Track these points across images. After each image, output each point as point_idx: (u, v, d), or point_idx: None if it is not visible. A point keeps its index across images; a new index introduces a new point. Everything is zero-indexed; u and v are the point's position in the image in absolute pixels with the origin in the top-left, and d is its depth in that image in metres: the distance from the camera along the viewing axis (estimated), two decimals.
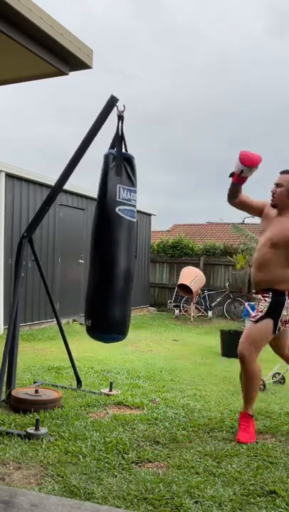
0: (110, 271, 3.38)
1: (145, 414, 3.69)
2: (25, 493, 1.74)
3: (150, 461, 2.83)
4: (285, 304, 3.27)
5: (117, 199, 3.36)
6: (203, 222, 22.00)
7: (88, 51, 3.33)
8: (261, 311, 3.27)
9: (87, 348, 6.73)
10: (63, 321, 8.40)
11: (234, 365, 5.97)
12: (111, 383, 4.32)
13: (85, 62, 3.33)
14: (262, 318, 3.26)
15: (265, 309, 3.26)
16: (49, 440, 3.04)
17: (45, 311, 8.69)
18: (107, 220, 3.38)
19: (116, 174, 3.39)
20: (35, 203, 8.30)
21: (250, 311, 6.61)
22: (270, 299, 3.26)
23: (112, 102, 3.54)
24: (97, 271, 3.44)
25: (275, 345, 3.53)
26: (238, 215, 33.52)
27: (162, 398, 4.16)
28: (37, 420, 3.14)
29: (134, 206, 3.49)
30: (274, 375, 4.99)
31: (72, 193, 9.45)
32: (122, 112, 3.51)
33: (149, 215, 12.67)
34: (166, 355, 6.58)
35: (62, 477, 2.55)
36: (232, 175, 3.26)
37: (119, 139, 3.49)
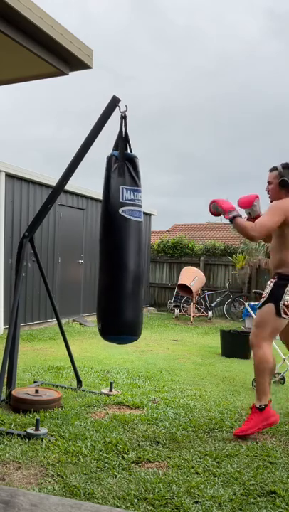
0: (119, 272, 3.39)
1: (145, 414, 3.69)
2: (25, 493, 1.74)
3: (150, 461, 2.83)
4: (288, 287, 3.33)
5: (121, 200, 3.36)
6: (203, 222, 21.97)
7: (88, 51, 3.34)
8: (264, 297, 3.41)
9: (87, 348, 6.73)
10: (63, 321, 8.40)
11: (234, 365, 5.99)
12: (111, 383, 4.32)
13: (85, 62, 3.34)
14: (264, 303, 3.39)
15: (267, 294, 3.39)
16: (49, 440, 3.04)
17: (45, 311, 8.69)
18: (112, 222, 3.38)
19: (119, 175, 3.39)
20: (35, 203, 8.31)
21: (251, 311, 6.62)
22: (273, 284, 3.38)
23: (114, 102, 3.54)
24: (106, 273, 3.45)
25: (283, 331, 3.53)
26: None
27: (162, 398, 4.17)
28: (37, 420, 3.15)
29: (140, 206, 3.47)
30: (274, 375, 4.98)
31: (72, 193, 9.44)
32: (125, 112, 3.51)
33: (149, 215, 12.67)
34: (166, 355, 6.58)
35: (62, 477, 2.55)
36: (232, 221, 3.42)
37: (122, 140, 3.49)
